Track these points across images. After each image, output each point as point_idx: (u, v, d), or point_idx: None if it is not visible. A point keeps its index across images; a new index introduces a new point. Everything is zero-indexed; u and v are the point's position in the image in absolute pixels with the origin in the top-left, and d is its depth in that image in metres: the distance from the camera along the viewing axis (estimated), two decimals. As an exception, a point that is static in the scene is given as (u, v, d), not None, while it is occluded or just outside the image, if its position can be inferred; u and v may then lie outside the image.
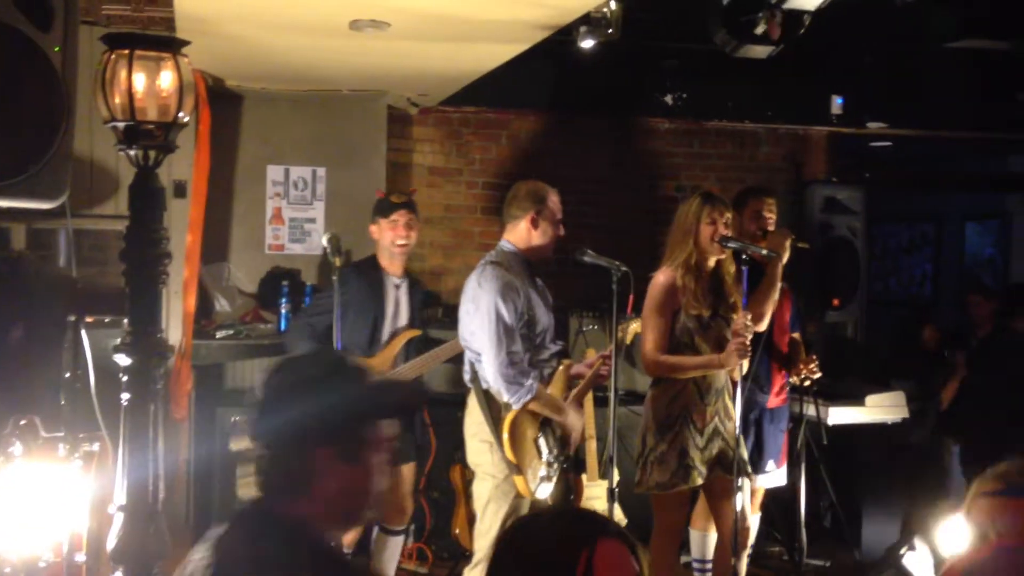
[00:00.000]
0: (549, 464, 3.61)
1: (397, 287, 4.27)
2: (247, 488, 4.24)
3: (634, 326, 4.12)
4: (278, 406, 1.70)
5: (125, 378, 2.56)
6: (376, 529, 4.39)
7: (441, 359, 4.31)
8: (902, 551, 4.07)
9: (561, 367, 3.73)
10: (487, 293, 3.54)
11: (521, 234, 3.69)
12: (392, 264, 4.25)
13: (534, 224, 3.66)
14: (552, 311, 3.78)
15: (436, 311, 5.84)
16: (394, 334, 4.25)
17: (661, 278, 3.86)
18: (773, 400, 4.36)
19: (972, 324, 6.22)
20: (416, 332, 4.30)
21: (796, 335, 4.48)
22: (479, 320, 3.55)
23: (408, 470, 4.29)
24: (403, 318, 4.28)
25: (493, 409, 3.57)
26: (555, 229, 3.70)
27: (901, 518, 5.46)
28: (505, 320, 3.51)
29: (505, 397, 3.53)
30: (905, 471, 5.63)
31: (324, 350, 3.78)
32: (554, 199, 3.72)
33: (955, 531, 2.78)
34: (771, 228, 4.32)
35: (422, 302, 4.49)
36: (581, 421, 3.73)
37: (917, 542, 4.04)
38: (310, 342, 4.18)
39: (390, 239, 4.20)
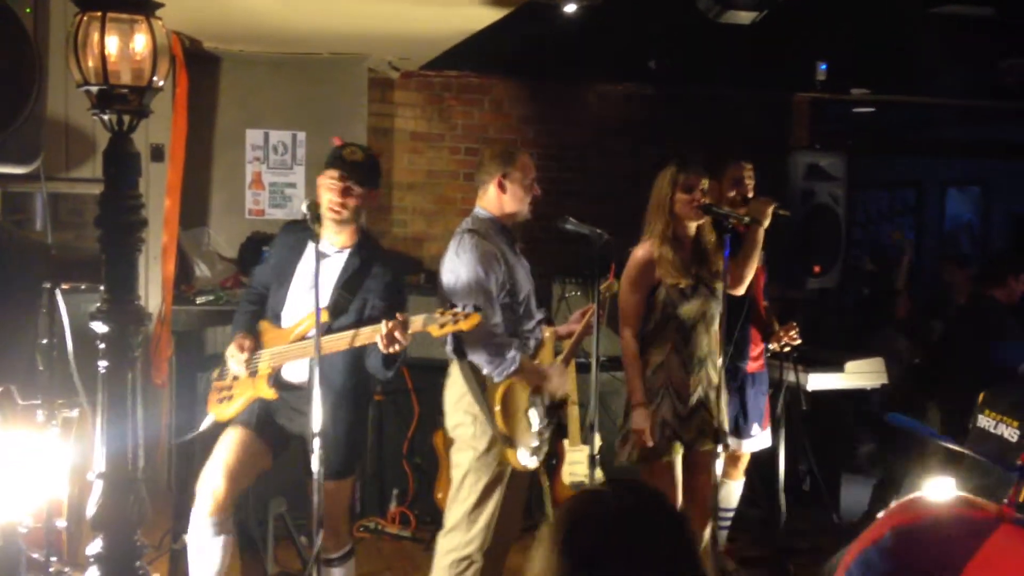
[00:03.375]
0: (539, 434, 3.56)
1: (329, 258, 3.36)
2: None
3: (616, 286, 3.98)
4: None
5: (102, 346, 2.54)
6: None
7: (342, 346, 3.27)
8: (879, 516, 4.12)
9: (547, 334, 3.68)
10: (466, 264, 3.42)
11: (492, 199, 3.57)
12: (328, 228, 3.34)
13: (501, 187, 3.53)
14: (532, 277, 3.68)
15: (418, 276, 5.83)
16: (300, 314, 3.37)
17: (639, 252, 3.79)
18: (752, 365, 4.41)
19: (949, 291, 6.28)
20: (323, 319, 3.17)
21: (765, 303, 4.51)
22: (460, 292, 3.44)
23: (337, 488, 3.42)
24: (324, 297, 3.26)
25: (479, 380, 3.48)
26: (526, 190, 3.55)
27: (876, 482, 5.53)
28: (486, 291, 3.42)
29: (486, 370, 3.46)
30: (883, 435, 5.68)
31: None
32: (523, 159, 3.58)
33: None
34: (750, 194, 4.31)
35: (384, 289, 3.37)
36: (565, 381, 3.65)
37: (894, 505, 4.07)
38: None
39: (325, 201, 3.32)
